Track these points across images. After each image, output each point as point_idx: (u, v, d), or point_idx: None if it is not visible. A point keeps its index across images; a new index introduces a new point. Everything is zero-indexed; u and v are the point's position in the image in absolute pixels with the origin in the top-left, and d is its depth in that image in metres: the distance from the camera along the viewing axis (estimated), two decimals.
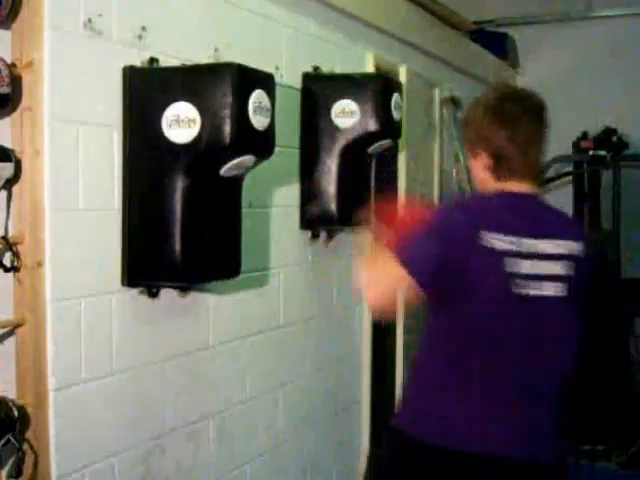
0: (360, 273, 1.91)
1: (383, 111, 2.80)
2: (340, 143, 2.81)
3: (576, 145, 5.11)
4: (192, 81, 2.02)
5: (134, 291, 2.13)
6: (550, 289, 1.83)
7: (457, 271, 1.79)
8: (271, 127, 2.09)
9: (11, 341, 1.85)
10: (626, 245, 5.12)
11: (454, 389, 1.86)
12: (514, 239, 1.79)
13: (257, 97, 2.01)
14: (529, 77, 5.51)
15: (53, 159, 1.87)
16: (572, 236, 1.90)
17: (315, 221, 2.91)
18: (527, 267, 1.80)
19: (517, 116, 1.91)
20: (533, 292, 1.81)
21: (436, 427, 1.85)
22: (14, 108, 1.81)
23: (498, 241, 1.78)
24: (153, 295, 2.19)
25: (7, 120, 1.82)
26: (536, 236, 1.83)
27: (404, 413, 1.99)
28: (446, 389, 1.87)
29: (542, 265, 1.82)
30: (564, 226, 1.97)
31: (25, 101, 1.82)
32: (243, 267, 2.27)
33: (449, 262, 1.78)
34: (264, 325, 2.73)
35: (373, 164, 3.18)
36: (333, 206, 2.85)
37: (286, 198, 2.83)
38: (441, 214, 1.96)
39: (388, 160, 3.53)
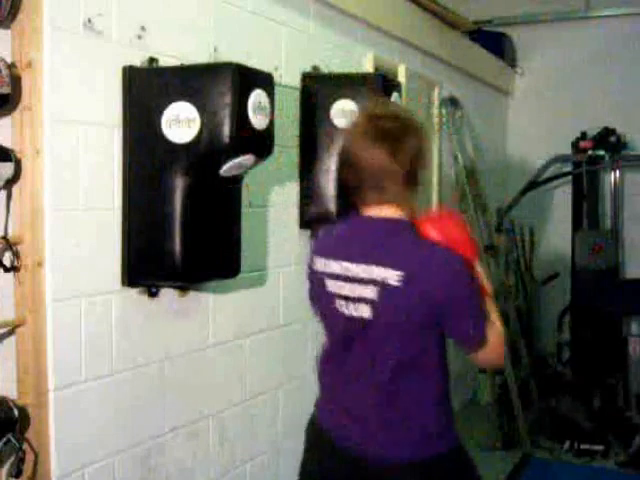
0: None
1: None
2: (339, 143, 2.81)
3: (575, 145, 5.12)
4: (191, 81, 2.02)
5: (134, 291, 2.13)
6: (363, 310, 1.80)
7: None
8: (270, 127, 2.09)
9: (11, 341, 1.85)
10: (625, 245, 5.13)
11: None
12: (327, 262, 1.86)
13: (256, 97, 2.01)
14: (528, 77, 5.53)
15: (53, 159, 1.87)
16: (391, 264, 1.75)
17: (314, 221, 2.91)
18: (340, 288, 1.83)
19: (360, 145, 1.79)
20: (349, 312, 1.81)
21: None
22: (14, 108, 1.81)
23: (319, 264, 1.88)
24: (153, 295, 2.19)
25: (7, 120, 1.82)
26: (350, 259, 1.81)
27: None
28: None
29: (353, 287, 1.81)
30: (391, 253, 1.79)
31: (25, 101, 1.82)
32: (243, 267, 2.27)
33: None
34: (264, 325, 2.73)
35: None
36: (332, 206, 2.84)
37: (286, 198, 2.83)
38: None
39: None
